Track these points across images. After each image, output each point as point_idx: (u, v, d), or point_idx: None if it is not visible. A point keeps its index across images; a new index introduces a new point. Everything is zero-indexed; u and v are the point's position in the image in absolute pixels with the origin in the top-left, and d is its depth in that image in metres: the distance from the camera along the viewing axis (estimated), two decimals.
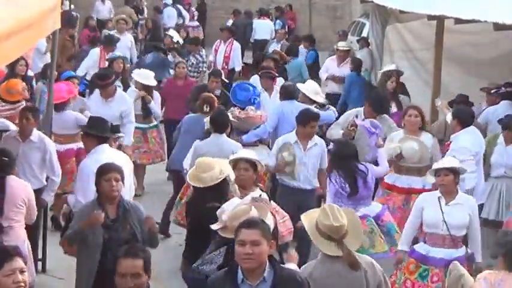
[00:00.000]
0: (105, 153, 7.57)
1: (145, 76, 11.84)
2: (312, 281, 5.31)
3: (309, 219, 5.71)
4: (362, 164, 8.31)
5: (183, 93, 12.29)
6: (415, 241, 7.88)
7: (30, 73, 13.13)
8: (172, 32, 17.79)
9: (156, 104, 11.82)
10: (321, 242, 5.53)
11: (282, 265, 5.05)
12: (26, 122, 8.50)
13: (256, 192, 7.29)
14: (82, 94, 12.20)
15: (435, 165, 7.67)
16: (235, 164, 7.35)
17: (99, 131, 7.75)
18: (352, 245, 5.57)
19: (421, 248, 7.57)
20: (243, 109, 10.29)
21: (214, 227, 6.00)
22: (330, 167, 8.51)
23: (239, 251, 4.86)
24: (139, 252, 4.91)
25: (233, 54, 16.29)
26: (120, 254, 4.89)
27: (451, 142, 9.13)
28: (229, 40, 16.49)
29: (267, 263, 4.90)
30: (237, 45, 16.58)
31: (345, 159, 8.21)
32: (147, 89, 11.70)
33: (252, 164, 7.42)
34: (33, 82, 12.84)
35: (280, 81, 12.05)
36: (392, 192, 9.21)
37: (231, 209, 6.13)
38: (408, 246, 7.67)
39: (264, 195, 7.28)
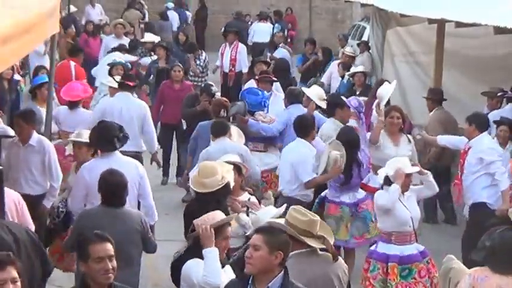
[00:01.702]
0: (111, 160, 7.51)
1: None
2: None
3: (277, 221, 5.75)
4: (362, 151, 8.73)
5: (180, 96, 12.24)
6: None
7: (18, 77, 13.19)
8: (148, 35, 17.71)
9: None
10: (305, 239, 5.55)
11: (295, 282, 4.96)
12: (19, 129, 8.45)
13: (245, 196, 7.27)
14: None
15: (408, 169, 7.62)
16: None
17: (102, 144, 7.68)
18: (328, 238, 5.66)
19: (392, 249, 7.57)
20: (252, 114, 10.25)
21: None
22: None
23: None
24: (107, 235, 4.94)
25: (239, 56, 16.34)
26: (93, 239, 4.86)
27: (469, 148, 9.00)
28: (235, 43, 16.53)
29: (280, 275, 4.83)
30: (242, 47, 16.68)
31: (345, 145, 8.52)
32: None
33: (236, 167, 7.36)
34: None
35: (276, 85, 12.07)
36: None
37: (266, 217, 6.07)
38: None
39: (253, 199, 7.27)
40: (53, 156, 8.51)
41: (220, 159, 7.53)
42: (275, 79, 12.01)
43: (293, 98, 10.48)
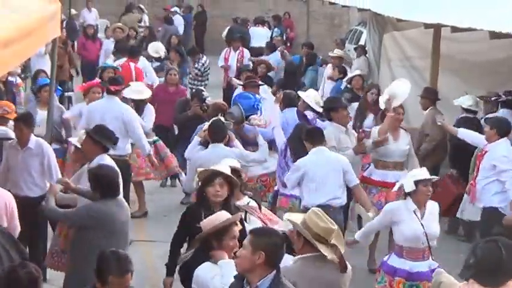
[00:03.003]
0: (106, 162, 7.65)
1: (137, 91, 11.47)
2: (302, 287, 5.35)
3: (294, 220, 5.76)
4: None
5: (174, 99, 12.37)
6: None
7: (11, 78, 13.28)
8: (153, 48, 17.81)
9: (148, 116, 11.48)
10: (318, 245, 5.57)
11: (286, 283, 5.01)
12: (19, 132, 8.52)
13: (244, 201, 7.30)
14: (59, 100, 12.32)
15: (422, 176, 7.53)
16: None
17: (105, 140, 7.84)
18: (340, 248, 5.66)
19: (402, 263, 7.45)
20: (247, 118, 10.32)
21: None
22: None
23: None
24: (130, 266, 5.13)
25: (245, 61, 16.58)
26: (115, 272, 5.03)
27: (485, 152, 9.02)
28: (240, 49, 16.83)
29: (271, 275, 4.89)
30: (247, 53, 17.10)
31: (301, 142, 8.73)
32: (139, 104, 11.38)
33: (235, 172, 7.25)
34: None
35: (263, 89, 12.19)
36: (383, 188, 9.40)
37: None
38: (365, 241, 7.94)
39: (253, 203, 7.27)
40: (52, 158, 8.58)
41: (220, 164, 7.48)
42: (261, 83, 12.18)
43: (289, 102, 10.55)
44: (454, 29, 11.24)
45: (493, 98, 11.03)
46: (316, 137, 8.67)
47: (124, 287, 5.05)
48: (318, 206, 7.81)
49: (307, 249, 5.62)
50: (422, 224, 7.34)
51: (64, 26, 18.35)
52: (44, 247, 8.45)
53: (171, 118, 12.15)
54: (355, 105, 11.93)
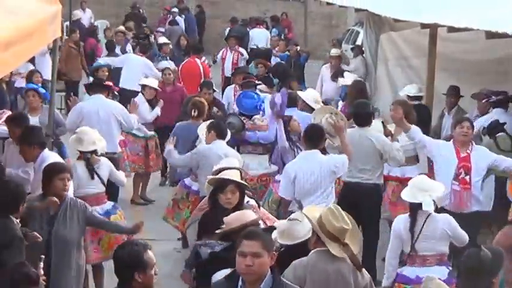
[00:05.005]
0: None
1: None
2: (311, 282, 5.43)
3: (311, 216, 5.83)
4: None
5: (173, 98, 12.48)
6: None
7: (14, 78, 13.38)
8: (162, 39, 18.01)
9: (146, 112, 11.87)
10: (328, 243, 5.63)
11: (283, 278, 5.08)
12: (12, 134, 8.61)
13: (244, 200, 7.34)
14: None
15: (439, 193, 7.32)
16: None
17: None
18: (353, 247, 5.68)
19: (409, 272, 7.24)
20: (249, 118, 10.39)
21: (218, 230, 6.09)
22: None
23: (239, 262, 4.85)
24: None
25: (241, 61, 16.71)
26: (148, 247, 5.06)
27: (471, 151, 8.74)
28: (236, 47, 16.93)
29: (269, 273, 4.90)
30: (243, 52, 17.25)
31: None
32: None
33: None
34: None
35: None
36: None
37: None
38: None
39: (252, 202, 7.29)
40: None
41: (220, 164, 7.59)
42: (258, 82, 12.27)
43: (290, 102, 10.59)
44: (451, 29, 11.30)
45: (483, 101, 10.89)
46: (311, 139, 8.40)
47: None
48: None
49: (320, 245, 5.68)
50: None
51: (69, 26, 18.50)
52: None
53: (172, 117, 12.25)
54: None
